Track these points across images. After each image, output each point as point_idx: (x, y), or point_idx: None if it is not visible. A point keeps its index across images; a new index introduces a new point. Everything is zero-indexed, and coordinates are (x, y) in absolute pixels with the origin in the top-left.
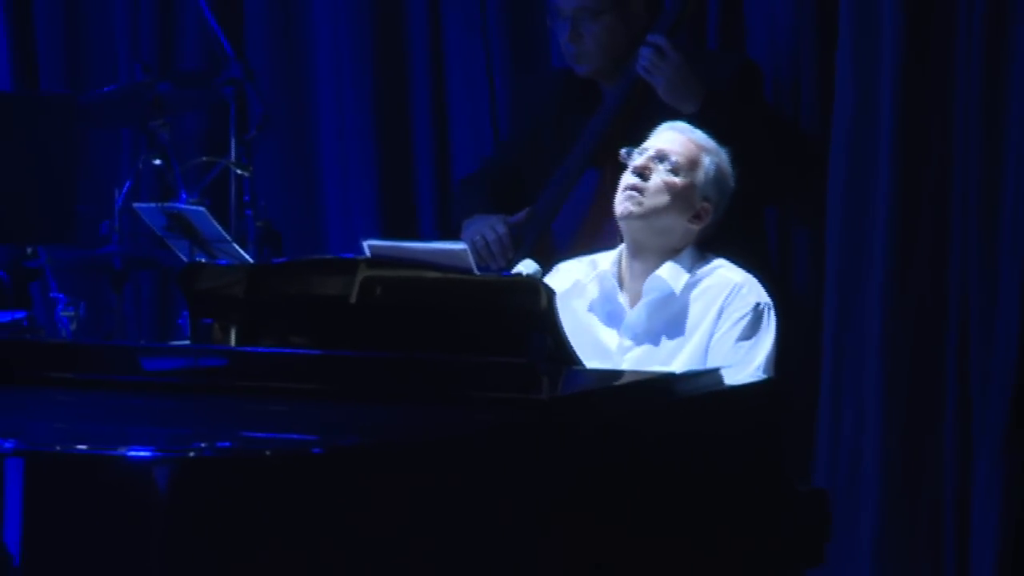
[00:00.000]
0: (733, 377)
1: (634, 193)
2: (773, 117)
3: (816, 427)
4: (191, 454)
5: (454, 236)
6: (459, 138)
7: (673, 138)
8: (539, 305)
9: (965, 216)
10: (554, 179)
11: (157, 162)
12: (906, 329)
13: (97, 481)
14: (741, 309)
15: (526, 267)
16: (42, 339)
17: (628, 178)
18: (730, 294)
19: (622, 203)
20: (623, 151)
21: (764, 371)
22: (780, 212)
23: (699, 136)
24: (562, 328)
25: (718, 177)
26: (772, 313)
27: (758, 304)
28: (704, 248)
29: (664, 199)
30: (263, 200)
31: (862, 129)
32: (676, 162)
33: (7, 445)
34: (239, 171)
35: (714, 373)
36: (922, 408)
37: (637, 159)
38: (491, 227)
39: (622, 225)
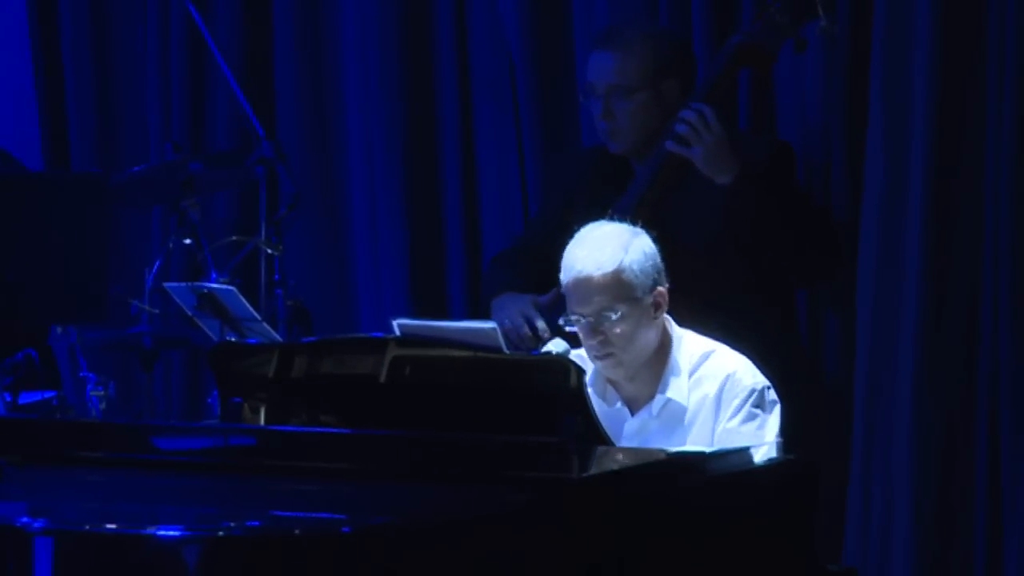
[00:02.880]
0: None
1: (607, 360)
2: (805, 198)
3: (846, 505)
4: (220, 533)
5: (484, 316)
6: (490, 217)
7: (592, 291)
8: (569, 384)
9: (996, 298)
10: None
11: (187, 241)
12: (937, 409)
13: (126, 560)
14: (739, 396)
15: (556, 346)
16: (72, 419)
17: (591, 348)
18: (724, 382)
19: (603, 365)
20: (561, 319)
21: (777, 447)
22: (811, 294)
23: (606, 257)
24: (592, 407)
25: (645, 262)
26: (770, 391)
27: (753, 387)
28: (680, 323)
29: (633, 340)
30: (293, 279)
31: (892, 210)
32: (617, 311)
33: (37, 524)
34: (269, 250)
35: (744, 452)
36: (952, 487)
37: (591, 338)
38: (520, 310)
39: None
